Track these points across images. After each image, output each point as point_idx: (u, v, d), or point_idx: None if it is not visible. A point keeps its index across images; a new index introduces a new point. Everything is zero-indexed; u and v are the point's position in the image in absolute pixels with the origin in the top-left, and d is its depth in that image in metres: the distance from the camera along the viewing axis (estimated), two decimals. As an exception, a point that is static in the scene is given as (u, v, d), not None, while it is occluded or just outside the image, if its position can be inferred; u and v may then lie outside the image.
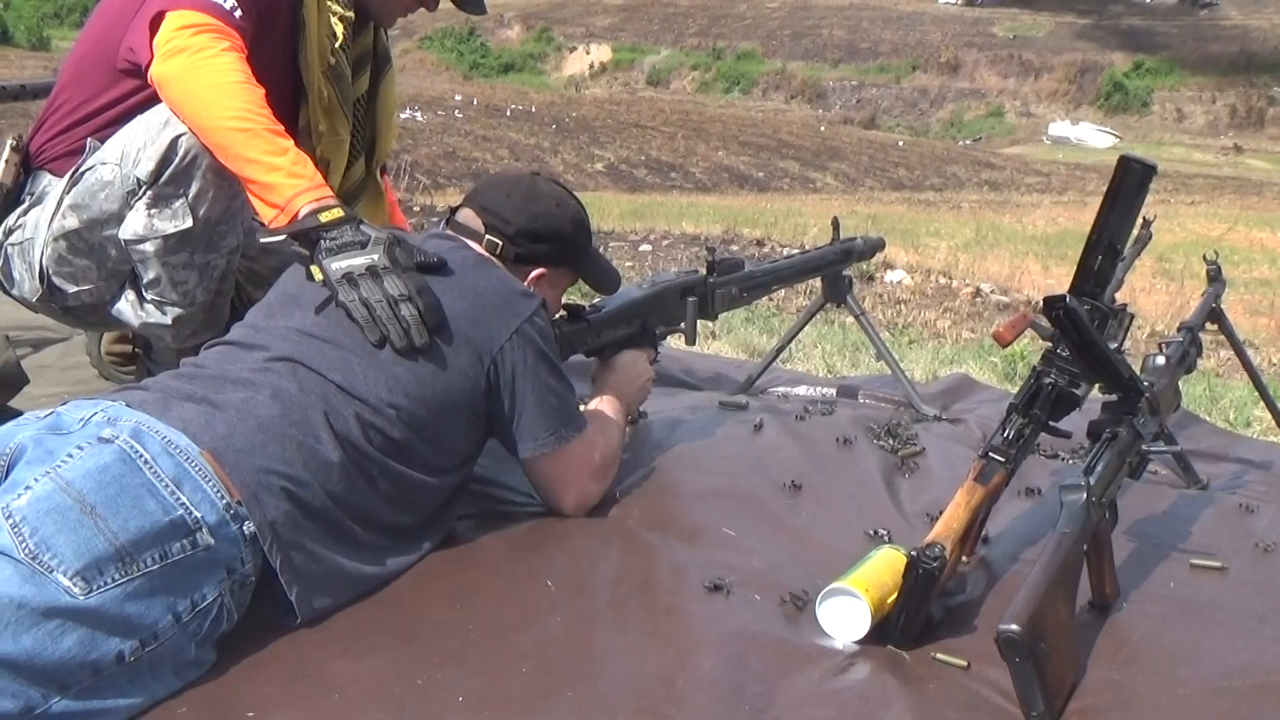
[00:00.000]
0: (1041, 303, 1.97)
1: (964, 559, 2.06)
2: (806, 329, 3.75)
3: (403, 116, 28.21)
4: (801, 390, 3.35)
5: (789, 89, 54.79)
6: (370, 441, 1.90)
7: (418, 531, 2.03)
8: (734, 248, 9.19)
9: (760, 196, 23.00)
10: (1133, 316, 2.31)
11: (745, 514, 2.26)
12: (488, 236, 2.22)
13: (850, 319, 4.30)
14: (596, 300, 2.54)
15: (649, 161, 29.00)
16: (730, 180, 27.82)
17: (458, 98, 34.61)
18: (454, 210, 2.30)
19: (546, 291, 2.27)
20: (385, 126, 2.92)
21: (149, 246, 2.33)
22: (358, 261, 2.00)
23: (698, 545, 2.11)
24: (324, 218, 2.07)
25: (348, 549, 1.87)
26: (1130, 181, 2.10)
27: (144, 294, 2.42)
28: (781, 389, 3.35)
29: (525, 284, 2.21)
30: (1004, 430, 2.04)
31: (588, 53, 64.48)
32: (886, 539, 2.17)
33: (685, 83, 57.39)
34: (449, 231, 2.25)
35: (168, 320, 2.42)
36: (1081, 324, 1.95)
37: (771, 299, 5.89)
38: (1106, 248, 2.13)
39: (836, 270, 3.14)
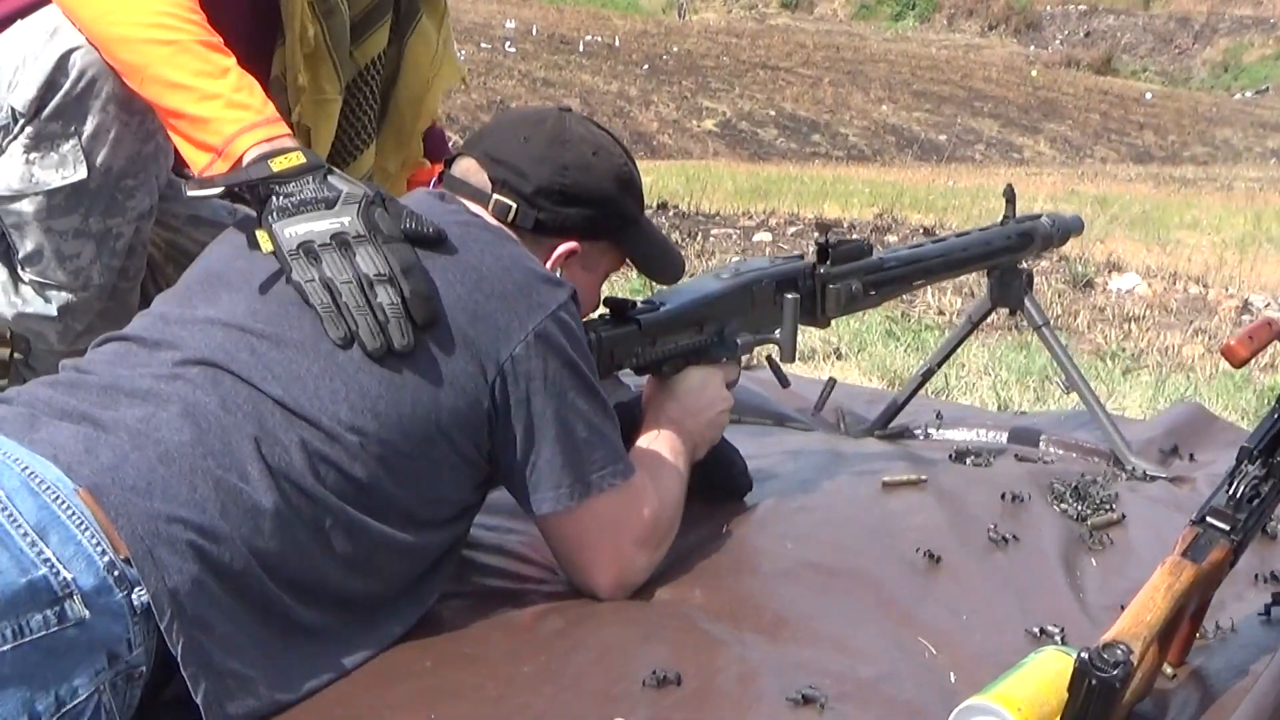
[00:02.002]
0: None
1: (1167, 669, 2.05)
2: (971, 348, 3.74)
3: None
4: (959, 434, 3.35)
5: (987, 16, 54.45)
6: (321, 480, 1.93)
7: (384, 611, 2.05)
8: (890, 239, 9.18)
9: (940, 169, 22.90)
10: None
11: (854, 600, 2.27)
12: (496, 197, 2.25)
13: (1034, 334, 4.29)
14: (653, 294, 2.56)
15: (781, 118, 29.05)
16: (897, 145, 27.79)
17: (510, 24, 34.90)
18: (450, 160, 2.34)
19: (578, 276, 2.30)
20: (411, 105, 2.96)
21: (26, 206, 2.38)
22: (321, 226, 2.02)
23: (782, 642, 2.12)
24: (277, 164, 2.10)
25: (280, 633, 1.89)
26: None
27: (19, 273, 2.48)
28: (930, 430, 3.34)
29: (549, 265, 2.24)
30: (1230, 486, 2.03)
31: (698, -39, 64.81)
32: (1058, 639, 2.16)
33: (836, 5, 57.27)
34: (442, 190, 2.29)
35: (52, 310, 2.48)
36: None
37: (920, 301, 5.86)
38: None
39: (1010, 262, 3.14)
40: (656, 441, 2.40)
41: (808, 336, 4.45)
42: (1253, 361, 4.94)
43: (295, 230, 2.02)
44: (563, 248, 2.27)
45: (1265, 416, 2.10)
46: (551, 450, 2.10)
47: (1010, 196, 3.20)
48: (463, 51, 29.23)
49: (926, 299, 6.08)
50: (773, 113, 29.34)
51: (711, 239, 8.62)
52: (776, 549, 2.44)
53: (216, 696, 1.78)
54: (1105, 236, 10.71)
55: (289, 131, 2.21)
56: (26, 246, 2.42)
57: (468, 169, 2.29)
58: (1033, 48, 50.26)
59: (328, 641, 1.96)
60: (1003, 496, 2.71)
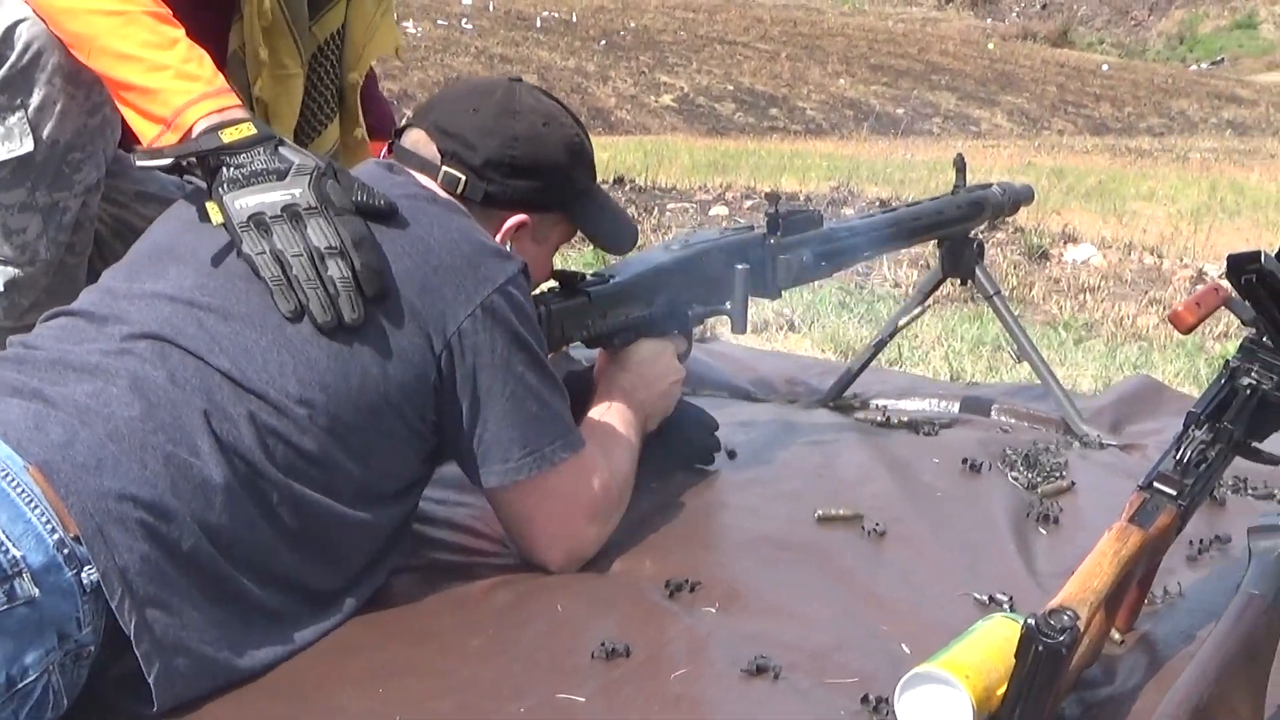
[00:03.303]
0: (1226, 262, 1.97)
1: (1115, 635, 2.06)
2: (925, 319, 3.74)
3: (388, 28, 28.33)
4: (911, 403, 3.36)
5: (944, -11, 54.66)
6: (270, 455, 1.92)
7: (337, 587, 2.05)
8: (847, 212, 9.18)
9: (898, 142, 22.89)
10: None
11: (806, 571, 2.27)
12: (445, 169, 2.24)
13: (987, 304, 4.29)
14: (604, 266, 2.56)
15: (739, 92, 29.01)
16: (855, 119, 27.74)
17: (466, 1, 34.78)
18: (400, 131, 2.33)
19: (528, 249, 2.29)
20: (352, 65, 2.93)
21: None
22: (272, 198, 2.01)
23: (733, 613, 2.12)
24: (228, 135, 2.09)
25: (232, 611, 1.89)
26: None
27: None
28: (882, 401, 3.35)
29: (499, 238, 2.23)
30: (1178, 451, 2.03)
31: (655, -64, 64.59)
32: (1006, 607, 2.17)
33: (794, -20, 57.39)
34: (391, 161, 2.28)
35: None
36: (1285, 295, 1.94)
37: (876, 273, 5.85)
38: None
39: (961, 231, 3.15)
40: (608, 414, 2.39)
41: (760, 308, 4.46)
42: (1206, 331, 4.97)
43: (246, 202, 2.01)
44: (512, 220, 2.26)
45: (1212, 382, 2.11)
46: (498, 424, 2.10)
47: (960, 166, 3.20)
48: (419, 29, 29.14)
49: (882, 271, 6.08)
50: (730, 87, 29.29)
51: (668, 213, 8.60)
52: (730, 521, 2.46)
53: (168, 675, 1.78)
54: (1061, 208, 10.72)
55: (239, 103, 2.20)
56: None
57: (417, 140, 2.28)
58: (989, 20, 50.33)
59: (281, 617, 1.96)
60: (952, 464, 2.72)
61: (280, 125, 2.71)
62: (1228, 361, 2.11)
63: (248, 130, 2.09)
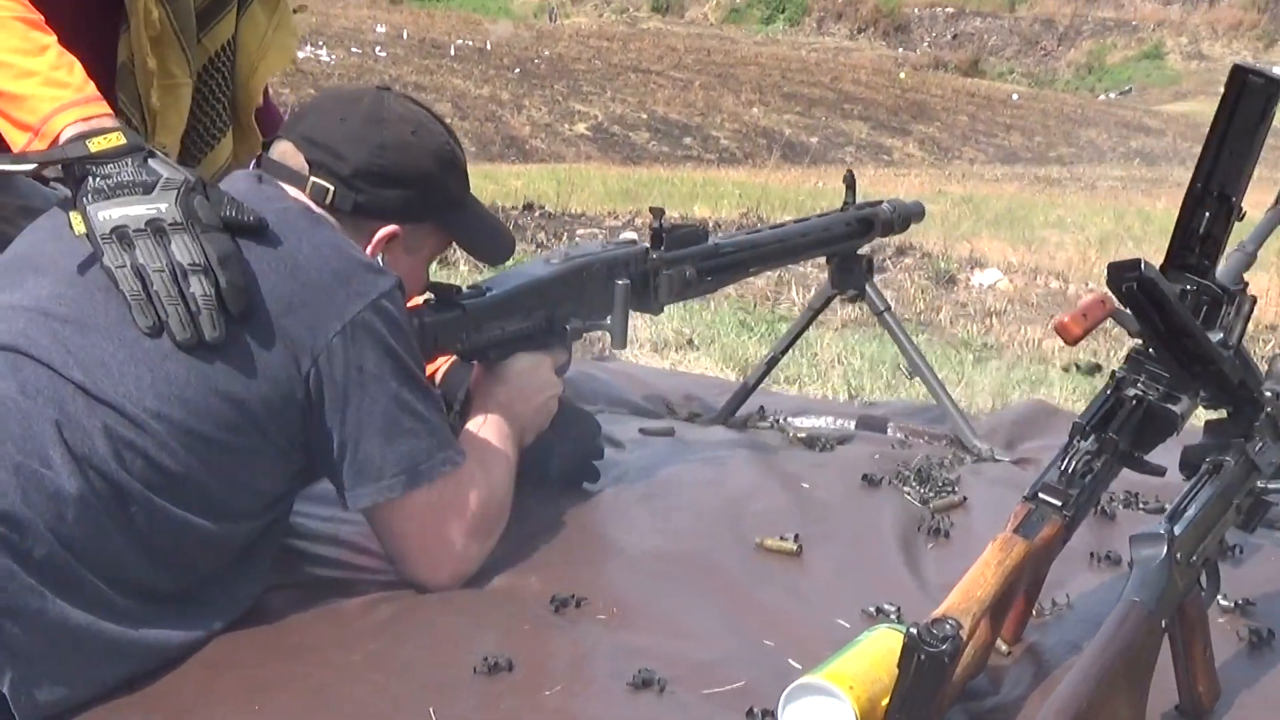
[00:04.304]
0: (1107, 272, 1.96)
1: (1002, 645, 2.06)
2: (825, 338, 3.75)
3: (301, 55, 28.35)
4: (807, 420, 3.36)
5: (855, 19, 54.85)
6: (126, 467, 1.89)
7: (196, 600, 2.02)
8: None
9: (810, 171, 23.05)
10: (1255, 300, 2.31)
11: (693, 586, 2.26)
12: (313, 179, 2.21)
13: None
14: (481, 279, 2.54)
15: (653, 121, 29.10)
16: (768, 148, 27.89)
17: (380, 29, 34.73)
18: (268, 144, 2.30)
19: (401, 261, 2.27)
20: (240, 89, 2.90)
21: None
22: (137, 211, 1.98)
23: (618, 628, 2.11)
24: (95, 144, 2.06)
25: (90, 618, 1.85)
26: (1249, 104, 2.10)
27: None
28: (779, 418, 3.34)
29: (370, 249, 2.21)
30: (1063, 462, 2.03)
31: (569, -34, 64.81)
32: (893, 618, 2.16)
33: (707, 9, 57.37)
34: (259, 173, 2.25)
35: None
36: (1165, 302, 1.94)
37: (787, 297, 5.86)
38: (1216, 200, 2.13)
39: (850, 248, 3.14)
40: (484, 428, 2.37)
41: (660, 326, 4.46)
42: (1108, 353, 5.00)
43: (110, 214, 1.98)
44: (383, 231, 2.24)
45: (1098, 394, 2.11)
46: (371, 442, 2.07)
47: (850, 183, 3.20)
48: (333, 56, 29.07)
49: (791, 295, 6.10)
50: (645, 116, 29.38)
51: (577, 238, 8.61)
52: (617, 536, 2.44)
53: (25, 684, 1.75)
54: (971, 235, 10.82)
55: (109, 112, 2.17)
56: None
57: (285, 152, 2.25)
58: (901, 50, 50.70)
59: (141, 624, 1.92)
60: (845, 480, 2.72)
61: (170, 135, 2.69)
62: (1114, 372, 2.12)
63: (116, 140, 2.06)
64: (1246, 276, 2.27)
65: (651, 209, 2.82)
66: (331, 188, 2.20)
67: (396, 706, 1.85)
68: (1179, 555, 1.88)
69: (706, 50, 40.92)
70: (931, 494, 2.72)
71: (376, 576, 2.25)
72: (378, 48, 31.67)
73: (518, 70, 31.59)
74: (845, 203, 3.18)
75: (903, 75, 40.81)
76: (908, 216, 3.29)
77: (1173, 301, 1.95)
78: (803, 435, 3.12)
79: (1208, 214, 2.12)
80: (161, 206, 1.98)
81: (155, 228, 1.97)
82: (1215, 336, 2.10)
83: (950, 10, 54.48)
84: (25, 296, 1.99)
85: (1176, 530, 1.90)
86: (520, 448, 2.42)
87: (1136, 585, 1.85)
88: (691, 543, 2.41)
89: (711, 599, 2.22)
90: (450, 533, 2.18)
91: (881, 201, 3.25)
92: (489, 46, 33.90)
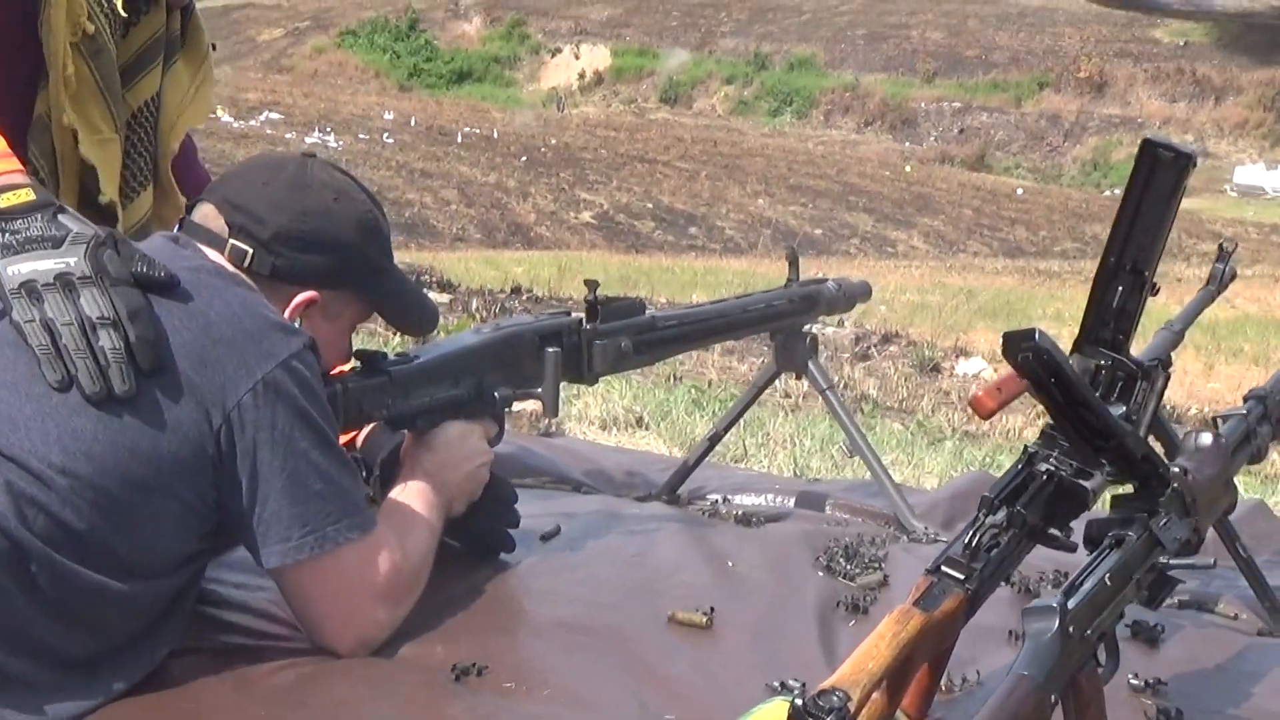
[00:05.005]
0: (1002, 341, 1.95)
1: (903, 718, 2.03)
2: (778, 418, 3.74)
3: (310, 141, 28.52)
4: (747, 498, 3.35)
5: (863, 112, 55.22)
6: (28, 524, 1.87)
7: (102, 664, 1.99)
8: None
9: (814, 262, 23.11)
10: (1168, 377, 2.30)
11: (601, 658, 2.24)
12: (233, 242, 2.20)
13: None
14: (410, 348, 2.53)
15: (659, 210, 29.26)
16: (774, 239, 28.00)
17: (388, 116, 35.03)
18: (190, 207, 2.30)
19: (320, 328, 2.25)
20: (164, 135, 2.91)
21: None
22: (45, 266, 1.98)
23: (516, 697, 2.09)
24: (4, 200, 2.06)
25: None
26: (1161, 179, 2.11)
27: None
28: (717, 496, 3.33)
29: (287, 314, 2.20)
30: (969, 535, 2.02)
31: (577, 56, 64.99)
32: (798, 694, 2.14)
33: (715, 101, 57.81)
34: (177, 235, 2.25)
35: None
36: (1061, 373, 1.93)
37: (733, 372, 5.86)
38: (1129, 274, 2.14)
39: (793, 325, 3.14)
40: (406, 493, 2.35)
41: (610, 404, 4.46)
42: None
43: (19, 269, 1.98)
44: (301, 296, 2.23)
45: (1009, 468, 2.09)
46: (279, 502, 2.06)
47: (793, 259, 3.21)
48: (340, 142, 29.31)
49: (745, 371, 6.11)
50: (650, 205, 29.55)
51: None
52: (530, 607, 2.43)
53: None
54: (965, 327, 10.84)
55: (19, 167, 2.16)
56: None
57: (206, 214, 2.25)
58: (908, 144, 51.04)
59: (36, 690, 1.90)
60: (771, 556, 2.71)
61: (109, 188, 2.69)
62: (1026, 447, 2.10)
63: (26, 196, 2.06)
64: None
65: (586, 281, 2.82)
66: (250, 250, 2.19)
67: (283, 773, 1.83)
68: (1071, 629, 1.87)
69: (714, 141, 41.21)
70: (857, 570, 2.70)
71: (285, 644, 2.22)
72: (385, 134, 31.94)
73: (524, 158, 31.82)
74: (789, 279, 3.18)
75: (909, 168, 41.08)
76: (853, 296, 3.29)
77: (1068, 373, 1.94)
78: (738, 513, 3.11)
79: (1120, 288, 2.13)
80: (70, 260, 1.98)
81: (64, 282, 1.96)
82: (1118, 410, 2.09)
83: (957, 105, 54.90)
84: None
85: (1070, 604, 1.88)
86: (447, 516, 2.41)
87: (1027, 659, 1.83)
88: (605, 615, 2.39)
89: (616, 669, 2.20)
90: (357, 598, 2.15)
91: (826, 279, 3.25)
92: (496, 135, 34.11)
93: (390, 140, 31.18)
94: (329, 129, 30.62)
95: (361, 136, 30.85)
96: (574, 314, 2.78)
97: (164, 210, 2.87)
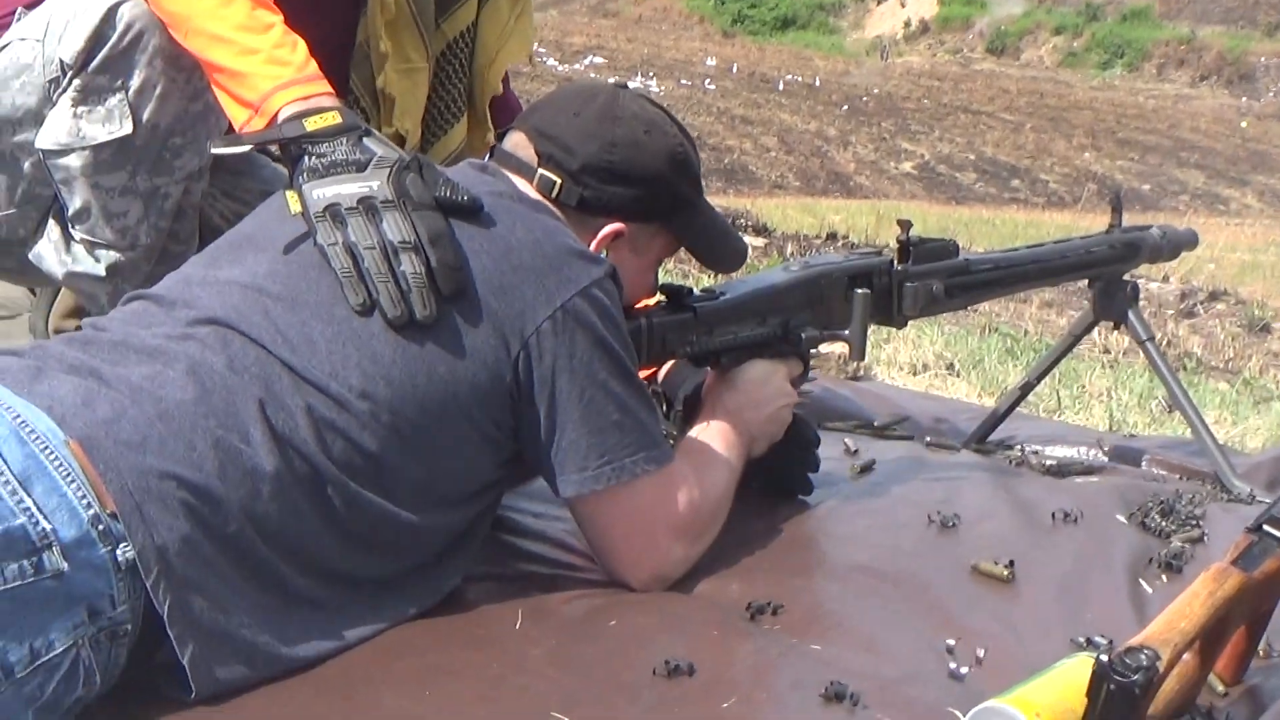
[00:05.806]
0: None
1: (1219, 685, 1.95)
2: (1095, 370, 3.62)
3: (632, 85, 28.78)
4: (1059, 450, 3.24)
5: (1197, 66, 53.39)
6: (326, 449, 1.88)
7: (391, 588, 2.01)
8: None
9: (1140, 217, 22.53)
10: None
11: (897, 604, 2.20)
12: (541, 171, 2.20)
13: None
14: (715, 283, 2.50)
15: (981, 162, 28.85)
16: (1099, 194, 27.36)
17: (710, 62, 35.15)
18: (502, 135, 2.30)
19: (626, 260, 2.24)
20: (478, 78, 2.94)
21: (74, 160, 2.37)
22: (349, 189, 1.98)
23: (808, 638, 2.05)
24: (312, 124, 2.06)
25: (274, 598, 1.85)
26: None
27: (71, 230, 2.47)
28: (1029, 446, 3.25)
29: (593, 245, 2.18)
30: (1297, 492, 1.92)
31: (903, 4, 64.17)
32: (1104, 650, 2.05)
33: (1043, 52, 56.62)
34: (485, 162, 2.25)
35: (100, 269, 2.47)
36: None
37: (1051, 324, 5.69)
38: None
39: (1114, 273, 3.03)
40: (707, 432, 2.33)
41: (921, 349, 4.38)
42: None
43: (323, 192, 1.98)
44: (608, 228, 2.21)
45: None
46: (577, 431, 2.04)
47: (1116, 205, 3.09)
48: (662, 87, 29.51)
49: (1063, 324, 5.95)
50: (972, 157, 29.15)
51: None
52: (829, 549, 2.40)
53: (204, 659, 1.74)
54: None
55: (329, 90, 2.18)
56: (75, 203, 2.41)
57: (517, 143, 2.24)
58: (1245, 99, 49.24)
59: (329, 612, 1.92)
60: (1082, 509, 2.63)
61: (407, 119, 2.73)
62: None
63: (333, 119, 2.06)
64: None
65: (899, 220, 2.74)
66: (559, 180, 2.18)
67: (567, 703, 1.81)
68: None
69: (1040, 93, 40.45)
70: (1173, 527, 2.60)
71: (578, 575, 2.22)
72: (707, 80, 32.05)
73: (845, 107, 31.64)
74: (1111, 225, 3.06)
75: (1244, 124, 39.71)
76: (1178, 244, 3.15)
77: None
78: (1048, 464, 3.02)
79: None
80: (373, 184, 1.97)
81: (367, 205, 1.96)
82: None
83: (1300, 58, 52.74)
84: (243, 273, 2.00)
85: None
86: (746, 455, 2.38)
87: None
88: (905, 561, 2.34)
89: (912, 618, 2.15)
90: (655, 532, 2.13)
91: (1151, 226, 3.12)
92: (818, 83, 33.98)
93: (711, 86, 31.30)
94: (651, 74, 30.86)
95: (683, 82, 31.01)
96: (885, 254, 2.71)
97: (477, 143, 2.89)
